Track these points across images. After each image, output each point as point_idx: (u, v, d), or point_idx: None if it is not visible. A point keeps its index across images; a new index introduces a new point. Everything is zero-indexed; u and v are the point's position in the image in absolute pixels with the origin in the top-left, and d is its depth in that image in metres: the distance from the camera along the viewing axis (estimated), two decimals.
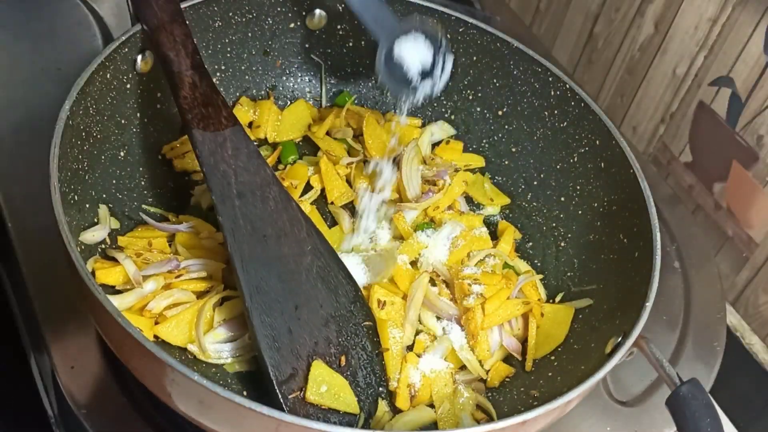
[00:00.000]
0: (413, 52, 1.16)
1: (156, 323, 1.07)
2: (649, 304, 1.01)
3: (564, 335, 1.15)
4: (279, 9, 1.33)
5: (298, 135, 1.37)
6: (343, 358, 1.06)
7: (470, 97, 1.37)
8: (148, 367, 0.92)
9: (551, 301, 1.22)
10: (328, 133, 1.37)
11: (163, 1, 1.14)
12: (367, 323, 1.11)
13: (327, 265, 1.10)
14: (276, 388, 1.00)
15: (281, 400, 1.00)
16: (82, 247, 1.07)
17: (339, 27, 1.36)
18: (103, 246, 1.11)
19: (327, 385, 1.03)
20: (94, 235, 1.10)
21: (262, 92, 1.39)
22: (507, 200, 1.34)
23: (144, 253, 1.12)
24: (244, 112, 1.35)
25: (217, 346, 1.09)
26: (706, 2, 1.38)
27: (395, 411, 1.08)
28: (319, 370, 1.03)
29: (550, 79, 1.27)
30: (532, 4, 1.79)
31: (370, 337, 1.10)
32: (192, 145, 1.07)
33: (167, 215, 1.21)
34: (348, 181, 1.32)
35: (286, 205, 1.09)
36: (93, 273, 1.06)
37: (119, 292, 1.08)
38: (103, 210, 1.13)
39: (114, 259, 1.10)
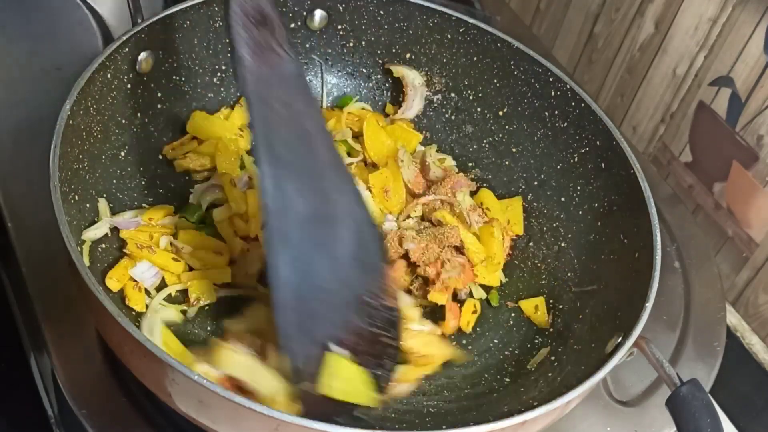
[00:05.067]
0: None
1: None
2: (649, 305, 1.01)
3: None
4: (279, 9, 1.32)
5: None
6: (361, 342, 0.99)
7: (471, 98, 1.36)
8: (148, 367, 0.92)
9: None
10: None
11: None
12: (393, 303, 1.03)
13: (361, 230, 1.01)
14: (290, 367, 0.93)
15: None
16: (82, 246, 1.07)
17: (339, 27, 1.36)
18: (113, 247, 1.12)
19: (344, 377, 0.96)
20: (96, 233, 1.10)
21: None
22: (520, 231, 1.32)
23: (146, 246, 1.13)
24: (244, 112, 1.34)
25: None
26: (706, 2, 1.38)
27: None
28: (335, 361, 0.96)
29: (551, 79, 1.27)
30: (532, 4, 1.79)
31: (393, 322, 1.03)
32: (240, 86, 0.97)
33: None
34: None
35: (332, 157, 1.02)
36: (123, 299, 1.07)
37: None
38: (102, 204, 1.13)
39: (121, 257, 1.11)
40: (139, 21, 1.20)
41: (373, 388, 0.99)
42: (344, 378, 0.96)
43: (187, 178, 1.27)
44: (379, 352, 1.01)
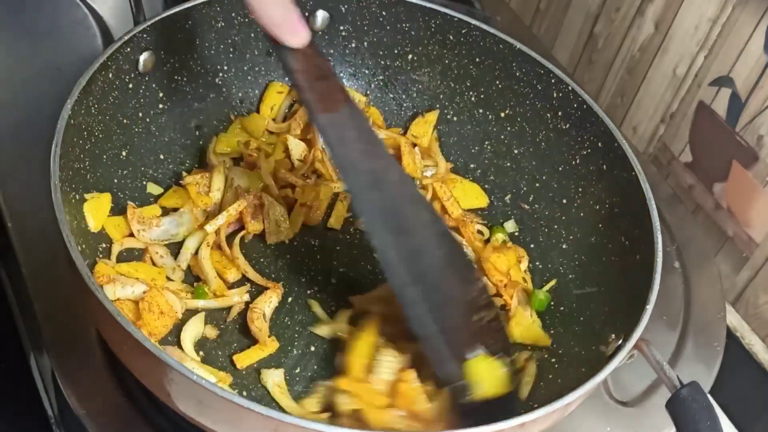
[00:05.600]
0: None
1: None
2: (649, 308, 1.01)
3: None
4: None
5: None
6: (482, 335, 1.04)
7: (473, 99, 1.36)
8: (148, 366, 0.92)
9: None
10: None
11: None
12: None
13: (452, 250, 1.07)
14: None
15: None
16: (83, 246, 1.07)
17: (341, 28, 1.36)
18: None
19: (487, 375, 1.02)
20: None
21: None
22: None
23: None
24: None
25: None
26: (706, 2, 1.38)
27: None
28: (477, 363, 1.02)
29: (553, 81, 1.27)
30: (532, 4, 1.79)
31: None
32: (320, 132, 1.02)
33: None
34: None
35: (410, 187, 1.08)
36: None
37: None
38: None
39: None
40: (141, 20, 1.20)
41: (504, 373, 1.04)
42: (488, 375, 1.02)
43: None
44: (495, 336, 1.07)
